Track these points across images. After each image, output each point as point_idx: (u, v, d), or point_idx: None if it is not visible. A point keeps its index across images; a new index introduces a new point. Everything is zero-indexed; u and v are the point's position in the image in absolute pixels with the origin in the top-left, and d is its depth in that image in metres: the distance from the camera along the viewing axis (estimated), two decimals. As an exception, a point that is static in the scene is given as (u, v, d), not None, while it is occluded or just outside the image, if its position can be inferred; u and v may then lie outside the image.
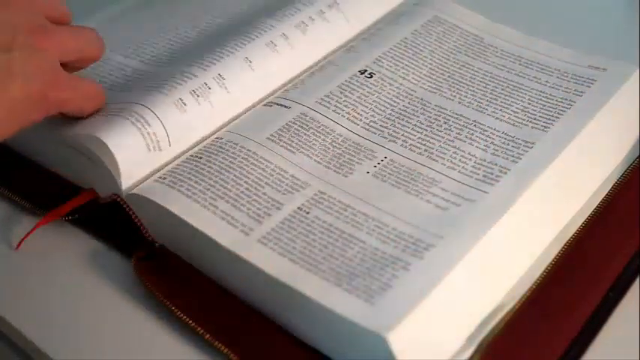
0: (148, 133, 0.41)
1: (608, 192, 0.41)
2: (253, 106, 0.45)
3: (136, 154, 0.40)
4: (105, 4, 0.56)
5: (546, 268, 0.37)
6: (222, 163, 0.41)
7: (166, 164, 0.41)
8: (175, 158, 0.42)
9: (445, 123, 0.43)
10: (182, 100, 0.42)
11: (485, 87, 0.45)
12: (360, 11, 0.52)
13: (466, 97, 0.45)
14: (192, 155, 0.41)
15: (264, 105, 0.45)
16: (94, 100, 0.42)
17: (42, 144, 0.44)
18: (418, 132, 0.43)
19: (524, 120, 0.43)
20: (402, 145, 0.42)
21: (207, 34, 0.51)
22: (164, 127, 0.41)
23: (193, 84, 0.44)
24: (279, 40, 0.47)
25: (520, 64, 0.47)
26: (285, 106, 0.44)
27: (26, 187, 0.44)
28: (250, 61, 0.46)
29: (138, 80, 0.46)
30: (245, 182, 0.39)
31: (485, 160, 0.40)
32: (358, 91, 0.45)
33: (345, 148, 0.42)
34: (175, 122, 0.42)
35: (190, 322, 0.36)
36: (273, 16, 0.49)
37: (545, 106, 0.43)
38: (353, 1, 0.52)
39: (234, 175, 0.40)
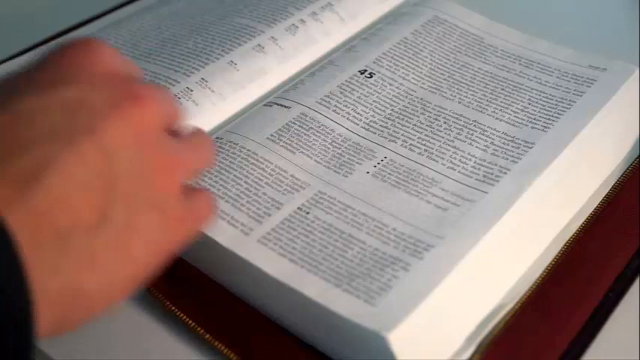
0: None
1: (608, 192, 0.41)
2: (250, 106, 0.46)
3: None
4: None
5: (546, 268, 0.37)
6: (222, 162, 0.41)
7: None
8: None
9: (445, 123, 0.43)
10: None
11: (485, 87, 0.46)
12: (357, 12, 0.52)
13: (466, 97, 0.45)
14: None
15: (264, 105, 0.45)
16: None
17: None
18: (418, 132, 0.43)
19: (524, 120, 0.43)
20: (402, 145, 0.42)
21: (199, 32, 0.51)
22: None
23: (175, 89, 0.44)
24: (266, 42, 0.48)
25: (520, 64, 0.47)
26: (285, 106, 0.44)
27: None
28: (235, 64, 0.47)
29: None
30: (245, 182, 0.39)
31: (485, 161, 0.40)
32: (358, 91, 0.45)
33: (345, 148, 0.42)
34: None
35: (190, 322, 0.36)
36: (264, 20, 0.50)
37: (545, 106, 0.43)
38: (349, 2, 0.52)
39: (234, 175, 0.40)
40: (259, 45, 0.48)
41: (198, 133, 0.34)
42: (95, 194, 0.26)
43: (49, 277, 0.25)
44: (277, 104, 0.44)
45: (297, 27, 0.50)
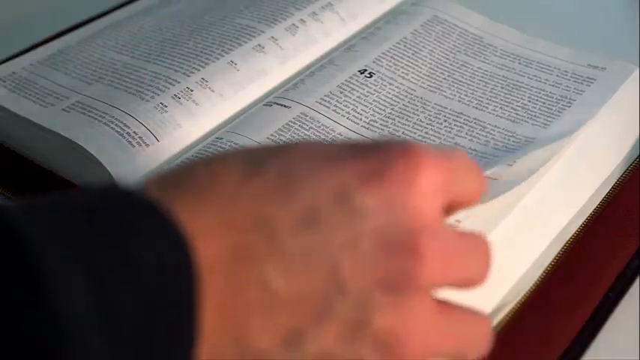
0: (128, 133, 0.41)
1: (608, 192, 0.41)
2: (250, 106, 0.46)
3: (119, 153, 0.40)
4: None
5: (546, 268, 0.37)
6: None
7: (168, 162, 0.42)
8: (176, 157, 0.42)
9: (445, 121, 0.43)
10: (162, 104, 0.43)
11: (484, 86, 0.46)
12: (357, 12, 0.52)
13: (466, 95, 0.45)
14: (192, 155, 0.41)
15: (264, 105, 0.45)
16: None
17: (39, 142, 0.44)
18: (418, 130, 0.43)
19: (524, 117, 0.43)
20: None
21: (199, 33, 0.51)
22: (142, 124, 0.42)
23: (175, 89, 0.44)
24: (267, 42, 0.48)
25: (520, 63, 0.47)
26: (285, 106, 0.44)
27: (26, 188, 0.44)
28: (235, 63, 0.47)
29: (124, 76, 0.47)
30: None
31: (486, 153, 0.40)
32: (358, 91, 0.45)
33: None
34: (156, 118, 0.42)
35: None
36: (264, 21, 0.50)
37: (544, 104, 0.43)
38: (349, 2, 0.52)
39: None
40: (259, 45, 0.48)
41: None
42: (303, 313, 0.23)
43: None
44: (277, 104, 0.44)
45: (298, 27, 0.50)
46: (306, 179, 0.23)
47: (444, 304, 0.26)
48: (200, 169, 0.23)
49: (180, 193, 0.22)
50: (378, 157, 0.24)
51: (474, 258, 0.27)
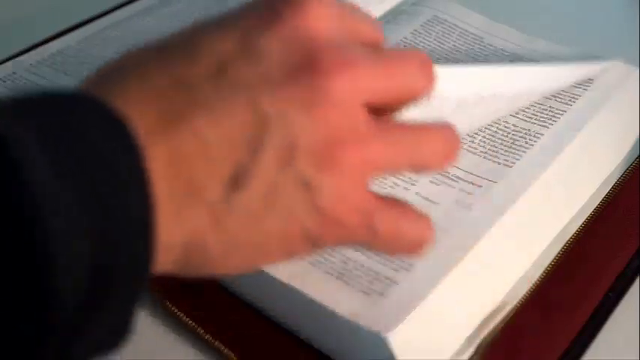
0: None
1: (609, 192, 0.41)
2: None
3: None
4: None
5: (546, 268, 0.37)
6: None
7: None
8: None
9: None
10: None
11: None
12: None
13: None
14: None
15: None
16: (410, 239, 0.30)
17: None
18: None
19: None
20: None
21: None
22: None
23: None
24: None
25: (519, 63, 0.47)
26: None
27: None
28: None
29: None
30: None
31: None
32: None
33: None
34: None
35: (190, 322, 0.36)
36: None
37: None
38: (349, 2, 0.52)
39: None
40: None
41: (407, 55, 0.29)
42: (239, 153, 0.24)
43: (172, 224, 0.24)
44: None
45: None
46: (207, 38, 0.26)
47: (393, 121, 0.28)
48: (123, 65, 0.26)
49: (112, 85, 0.25)
50: (265, 7, 0.27)
51: (403, 67, 0.28)
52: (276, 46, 0.26)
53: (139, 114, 0.23)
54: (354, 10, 0.29)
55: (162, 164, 0.23)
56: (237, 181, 0.24)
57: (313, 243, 0.27)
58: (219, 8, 0.54)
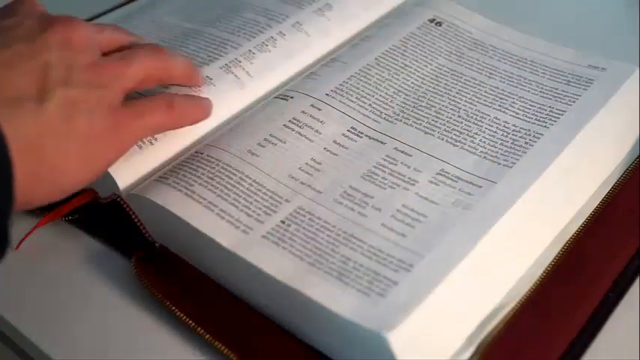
0: None
1: (609, 192, 0.41)
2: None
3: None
4: None
5: (546, 268, 0.37)
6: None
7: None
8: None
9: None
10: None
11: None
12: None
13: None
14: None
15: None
16: (182, 110, 0.40)
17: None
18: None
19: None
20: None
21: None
22: None
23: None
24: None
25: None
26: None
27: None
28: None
29: None
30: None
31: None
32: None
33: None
34: None
35: (190, 322, 0.36)
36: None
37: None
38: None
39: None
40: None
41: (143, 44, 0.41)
42: (33, 76, 0.34)
43: (11, 131, 0.31)
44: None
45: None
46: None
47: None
48: None
49: None
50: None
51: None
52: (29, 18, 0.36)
53: None
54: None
55: None
56: (41, 94, 0.34)
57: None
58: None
